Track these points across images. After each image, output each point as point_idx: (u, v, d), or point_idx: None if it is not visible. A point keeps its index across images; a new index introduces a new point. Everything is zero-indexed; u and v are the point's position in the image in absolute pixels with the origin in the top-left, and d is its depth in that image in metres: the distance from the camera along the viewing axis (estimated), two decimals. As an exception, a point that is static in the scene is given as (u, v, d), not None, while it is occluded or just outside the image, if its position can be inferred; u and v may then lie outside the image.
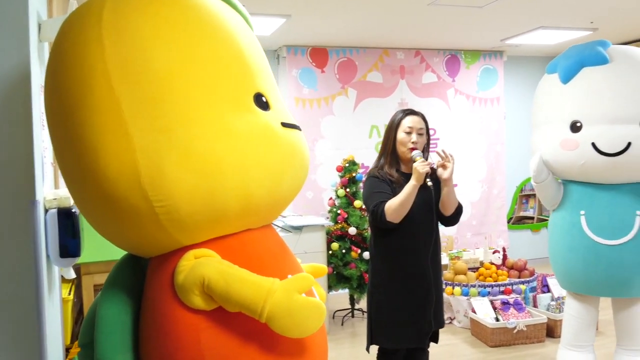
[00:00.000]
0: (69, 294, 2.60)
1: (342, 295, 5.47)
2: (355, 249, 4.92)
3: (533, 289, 5.02)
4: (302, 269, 1.67)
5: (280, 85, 5.09)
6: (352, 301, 5.29)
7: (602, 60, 2.86)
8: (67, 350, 2.52)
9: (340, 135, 6.30)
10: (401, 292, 2.80)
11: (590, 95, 2.89)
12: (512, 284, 4.94)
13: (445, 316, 4.05)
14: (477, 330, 4.65)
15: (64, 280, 2.58)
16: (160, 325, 1.43)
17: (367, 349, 2.99)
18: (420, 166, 2.65)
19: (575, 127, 2.91)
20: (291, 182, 1.56)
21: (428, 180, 2.73)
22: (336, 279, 4.98)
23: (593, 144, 2.84)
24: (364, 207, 4.88)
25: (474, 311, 4.70)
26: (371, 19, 5.16)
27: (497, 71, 6.98)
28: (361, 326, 5.03)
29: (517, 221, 7.48)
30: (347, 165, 5.08)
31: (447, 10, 4.87)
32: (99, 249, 2.85)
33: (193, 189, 1.36)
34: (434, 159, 2.93)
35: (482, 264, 5.37)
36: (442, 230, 2.99)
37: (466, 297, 4.88)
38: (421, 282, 2.79)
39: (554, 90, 3.07)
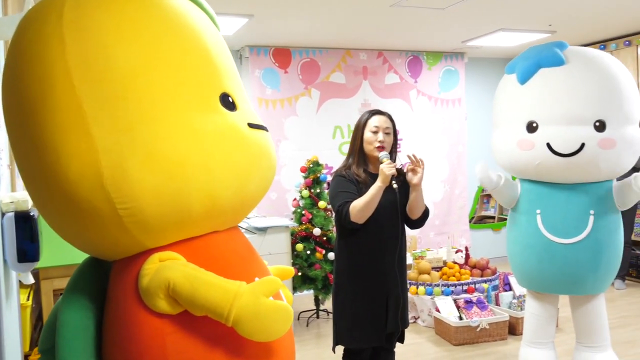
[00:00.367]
0: (28, 299, 2.54)
1: (307, 296, 5.46)
2: (319, 249, 4.91)
3: (495, 288, 5.09)
4: (269, 272, 1.65)
5: (243, 86, 5.05)
6: (317, 302, 5.29)
7: (559, 62, 2.90)
8: (26, 357, 2.46)
9: (303, 136, 6.29)
10: (365, 292, 2.80)
11: (546, 96, 2.93)
12: (475, 283, 5.00)
13: (410, 315, 4.08)
14: (441, 329, 4.70)
15: (22, 285, 2.51)
16: (125, 330, 1.40)
17: (333, 350, 2.99)
18: (386, 168, 2.67)
19: (531, 128, 2.95)
20: (258, 184, 1.55)
21: (394, 182, 2.74)
22: (301, 280, 4.97)
23: (548, 145, 2.88)
24: (328, 207, 4.90)
25: (438, 310, 4.75)
26: (334, 20, 5.17)
27: (458, 72, 7.08)
28: (326, 327, 5.03)
29: (478, 220, 7.60)
30: (311, 166, 5.07)
31: (410, 11, 4.91)
32: (58, 253, 2.79)
33: (157, 190, 1.33)
34: (402, 160, 2.95)
35: (445, 263, 5.43)
36: (406, 230, 3.01)
37: (430, 297, 4.92)
38: (385, 282, 2.80)
39: (511, 90, 3.10)
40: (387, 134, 2.85)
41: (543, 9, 5.02)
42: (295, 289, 4.99)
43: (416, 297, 4.99)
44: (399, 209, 2.82)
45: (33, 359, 2.42)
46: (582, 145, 2.82)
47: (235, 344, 1.41)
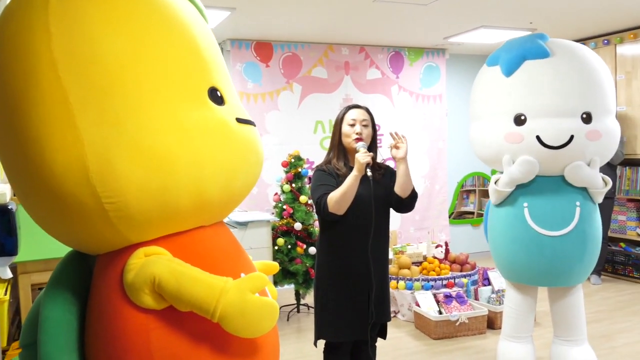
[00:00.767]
0: (5, 294, 2.50)
1: (287, 290, 5.46)
2: (300, 244, 4.91)
3: (474, 282, 5.14)
4: (255, 267, 1.65)
5: (225, 79, 5.01)
6: (298, 296, 5.29)
7: (544, 54, 2.92)
8: (4, 352, 2.42)
9: (285, 130, 6.27)
10: (343, 284, 2.81)
11: (534, 89, 2.93)
12: (454, 278, 5.04)
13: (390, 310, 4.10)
14: (421, 323, 4.73)
15: None
16: (109, 325, 1.38)
17: (315, 344, 2.99)
18: (361, 157, 2.69)
19: (519, 120, 2.95)
20: (245, 179, 1.54)
21: (368, 170, 2.76)
22: (282, 275, 4.97)
23: (538, 137, 2.90)
24: (309, 202, 4.90)
25: (417, 305, 4.78)
26: (317, 14, 5.16)
27: (439, 69, 7.11)
28: (307, 321, 5.04)
29: (457, 216, 7.66)
30: (292, 160, 5.06)
31: (392, 7, 4.92)
32: (37, 247, 2.76)
33: (144, 184, 1.32)
34: (384, 155, 2.95)
35: (425, 258, 5.47)
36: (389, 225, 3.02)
37: (410, 291, 4.95)
38: (362, 274, 2.80)
39: (496, 83, 3.09)
40: (364, 126, 2.88)
41: (524, 7, 5.06)
42: (276, 283, 4.98)
43: (396, 292, 5.02)
44: (372, 199, 2.78)
45: (11, 354, 2.38)
46: (572, 137, 2.85)
47: (221, 340, 1.41)
